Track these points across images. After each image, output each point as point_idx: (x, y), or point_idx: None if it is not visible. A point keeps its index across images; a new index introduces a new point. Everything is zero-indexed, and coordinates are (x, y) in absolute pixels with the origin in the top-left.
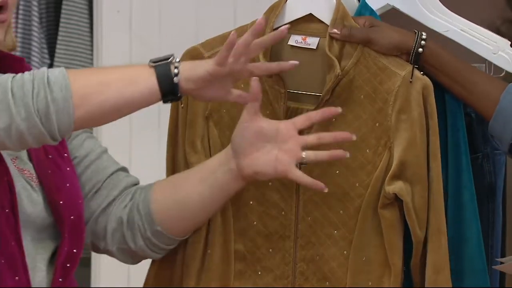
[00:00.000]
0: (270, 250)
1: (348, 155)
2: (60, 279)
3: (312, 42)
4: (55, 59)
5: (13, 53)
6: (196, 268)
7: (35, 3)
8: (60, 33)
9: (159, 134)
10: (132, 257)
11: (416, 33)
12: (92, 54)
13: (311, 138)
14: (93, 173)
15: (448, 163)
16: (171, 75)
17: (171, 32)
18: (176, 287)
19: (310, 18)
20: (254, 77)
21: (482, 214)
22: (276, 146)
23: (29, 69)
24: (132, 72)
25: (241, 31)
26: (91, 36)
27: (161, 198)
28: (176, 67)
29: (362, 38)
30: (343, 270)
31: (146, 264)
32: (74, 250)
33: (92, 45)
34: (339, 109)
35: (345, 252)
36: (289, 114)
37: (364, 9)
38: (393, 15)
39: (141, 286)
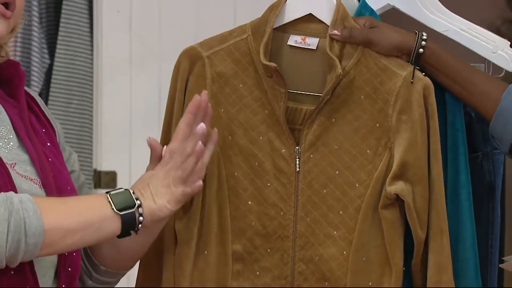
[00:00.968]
0: (269, 250)
1: None
2: (64, 286)
3: (312, 42)
4: (55, 59)
5: (11, 52)
6: (189, 268)
7: (35, 3)
8: (60, 33)
9: (159, 133)
10: None
11: (416, 33)
12: (92, 54)
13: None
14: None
15: (447, 162)
16: (135, 223)
17: (171, 32)
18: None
19: (309, 18)
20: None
21: (481, 213)
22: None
23: (23, 74)
24: (98, 217)
25: (240, 31)
26: (91, 36)
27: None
28: (140, 215)
29: (363, 39)
30: (342, 270)
31: None
32: (74, 254)
33: (92, 45)
34: None
35: (344, 252)
36: (289, 114)
37: (364, 9)
38: (393, 15)
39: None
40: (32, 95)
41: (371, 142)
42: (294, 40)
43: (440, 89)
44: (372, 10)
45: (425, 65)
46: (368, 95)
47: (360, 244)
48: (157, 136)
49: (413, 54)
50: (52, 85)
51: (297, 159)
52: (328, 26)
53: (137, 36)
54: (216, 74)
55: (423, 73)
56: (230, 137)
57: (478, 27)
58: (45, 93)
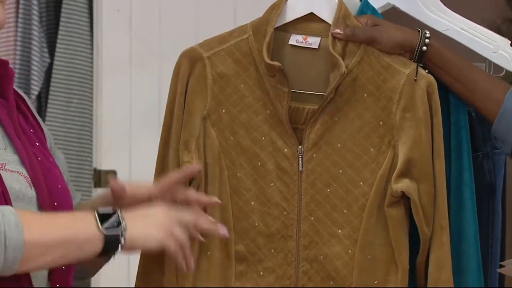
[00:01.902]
0: (272, 250)
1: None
2: (58, 285)
3: (314, 41)
4: (55, 58)
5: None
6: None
7: (35, 2)
8: (60, 32)
9: (159, 133)
10: None
11: (419, 31)
12: (92, 53)
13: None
14: None
15: (451, 160)
16: (117, 245)
17: (171, 31)
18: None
19: (311, 17)
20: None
21: (481, 213)
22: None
23: (12, 73)
24: (82, 234)
25: (240, 31)
26: (91, 35)
27: None
28: (123, 236)
29: (366, 38)
30: (348, 269)
31: None
32: None
33: (92, 44)
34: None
35: (349, 251)
36: (291, 113)
37: (366, 8)
38: (393, 14)
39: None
40: (21, 94)
41: (375, 140)
42: (295, 39)
43: (444, 88)
44: (374, 8)
45: (428, 63)
46: (371, 93)
47: (365, 243)
48: (157, 135)
49: (416, 52)
50: (52, 84)
51: (300, 159)
52: (330, 25)
53: (137, 35)
54: (217, 74)
55: (427, 71)
56: (232, 137)
57: (478, 26)
58: (45, 92)
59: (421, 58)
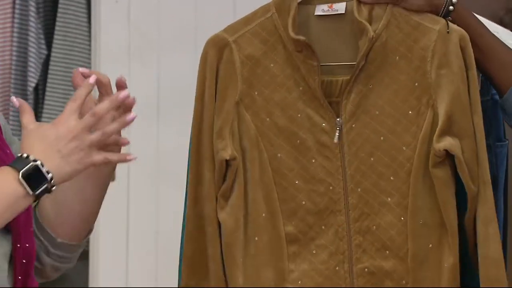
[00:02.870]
0: (323, 227)
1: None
2: (20, 277)
3: (340, 7)
4: (53, 50)
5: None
6: (240, 256)
7: None
8: (57, 23)
9: (158, 126)
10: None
11: None
12: (90, 45)
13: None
14: None
15: None
16: (41, 180)
17: (170, 23)
18: (218, 278)
19: None
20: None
21: None
22: None
23: None
24: (8, 200)
25: (263, 10)
26: (89, 27)
27: (41, 203)
28: (51, 185)
29: None
30: (402, 237)
31: (145, 260)
32: (27, 245)
33: (90, 36)
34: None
35: (402, 218)
36: (325, 87)
37: None
38: None
39: (139, 279)
40: None
41: (412, 103)
42: (321, 9)
43: None
44: None
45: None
46: (403, 55)
47: (416, 208)
48: (156, 128)
49: (443, 11)
50: (49, 76)
51: (339, 131)
52: None
53: (136, 26)
54: (245, 57)
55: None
56: (268, 119)
57: (481, 17)
58: (42, 85)
59: (447, 17)
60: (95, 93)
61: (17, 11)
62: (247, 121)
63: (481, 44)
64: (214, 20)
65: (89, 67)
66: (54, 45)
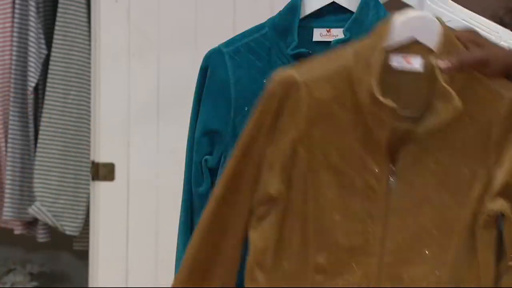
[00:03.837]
0: (353, 264)
1: None
2: None
3: (417, 63)
4: (52, 49)
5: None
6: (263, 278)
7: None
8: (57, 23)
9: (158, 125)
10: None
11: None
12: (89, 45)
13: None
14: None
15: None
16: None
17: (170, 23)
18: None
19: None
20: None
21: None
22: None
23: None
24: None
25: (342, 58)
26: (89, 26)
27: None
28: None
29: (475, 64)
30: None
31: (145, 260)
32: None
33: (90, 35)
34: None
35: (436, 272)
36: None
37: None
38: (395, 5)
39: (139, 279)
40: None
41: (471, 162)
42: (396, 61)
43: None
44: (377, 0)
45: None
46: (472, 116)
47: (453, 265)
48: (156, 129)
49: None
50: (49, 76)
51: (391, 177)
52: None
53: (136, 26)
54: (313, 99)
55: None
56: (321, 155)
57: (481, 17)
58: (42, 85)
59: None
60: None
61: (17, 11)
62: (300, 156)
63: None
64: (214, 20)
65: (89, 67)
66: (54, 45)
